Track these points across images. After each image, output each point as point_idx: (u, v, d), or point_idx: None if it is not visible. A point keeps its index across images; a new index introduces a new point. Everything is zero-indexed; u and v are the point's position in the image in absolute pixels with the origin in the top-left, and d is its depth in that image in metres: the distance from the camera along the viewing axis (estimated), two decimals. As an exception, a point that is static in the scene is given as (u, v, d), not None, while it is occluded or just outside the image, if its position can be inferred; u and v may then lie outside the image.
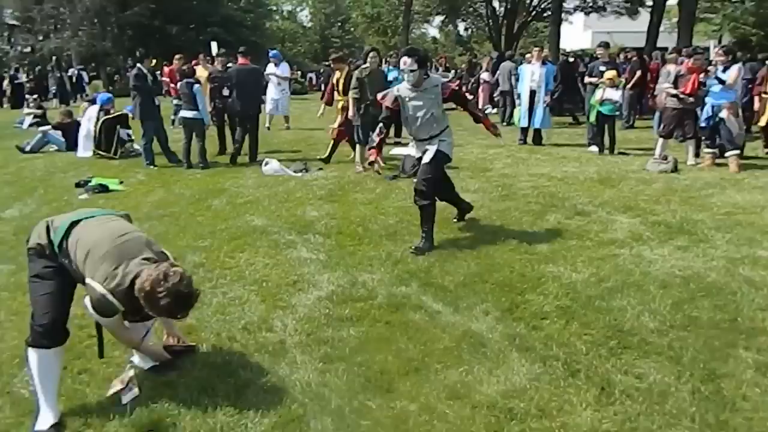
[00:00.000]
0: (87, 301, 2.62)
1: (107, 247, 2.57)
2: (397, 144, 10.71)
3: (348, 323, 3.59)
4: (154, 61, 13.59)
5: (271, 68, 12.79)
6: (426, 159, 5.02)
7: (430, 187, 4.94)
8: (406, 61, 4.80)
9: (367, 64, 8.54)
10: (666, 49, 15.10)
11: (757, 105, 9.57)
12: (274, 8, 48.93)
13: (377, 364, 3.09)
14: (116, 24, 31.04)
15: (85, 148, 10.36)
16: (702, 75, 8.14)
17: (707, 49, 12.28)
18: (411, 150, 8.23)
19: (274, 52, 13.27)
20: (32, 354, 2.65)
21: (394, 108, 5.06)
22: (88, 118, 10.44)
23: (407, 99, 4.98)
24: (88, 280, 2.55)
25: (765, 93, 8.91)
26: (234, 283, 4.25)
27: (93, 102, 11.13)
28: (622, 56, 13.90)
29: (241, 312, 3.77)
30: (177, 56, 12.94)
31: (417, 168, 7.79)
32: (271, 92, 12.80)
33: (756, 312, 3.59)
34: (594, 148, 9.74)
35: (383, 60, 12.99)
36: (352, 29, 48.43)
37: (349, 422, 2.61)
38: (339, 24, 50.98)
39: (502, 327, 3.50)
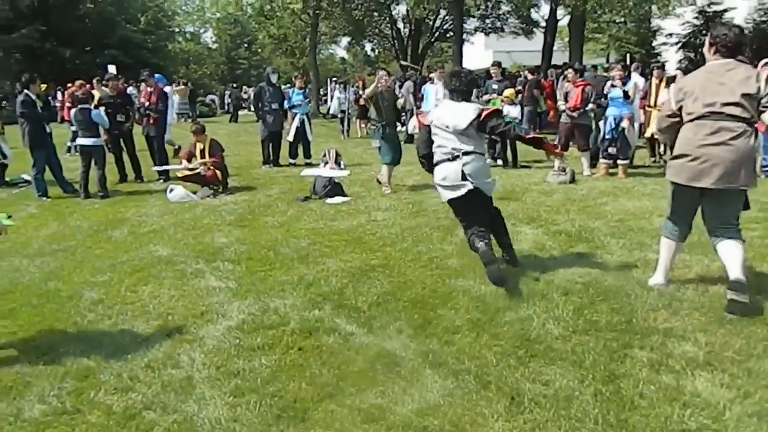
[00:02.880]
0: None
1: None
2: (308, 165, 10.66)
3: (259, 352, 3.49)
4: (44, 85, 12.84)
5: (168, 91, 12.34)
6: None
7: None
8: None
9: (382, 83, 8.17)
10: (560, 66, 16.05)
11: (642, 117, 10.31)
12: (177, 30, 47.71)
13: (291, 393, 3.01)
14: (1, 47, 29.17)
15: None
16: (590, 88, 8.71)
17: (600, 65, 13.14)
18: (322, 171, 8.24)
19: (158, 76, 12.75)
20: None
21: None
22: None
23: None
24: None
25: (649, 106, 9.61)
26: (136, 319, 4.02)
27: None
28: (523, 75, 14.60)
29: (144, 349, 3.56)
30: (78, 82, 12.37)
31: (328, 188, 7.84)
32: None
33: (648, 312, 3.83)
34: (497, 161, 10.15)
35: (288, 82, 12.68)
36: (259, 50, 48.00)
37: (261, 457, 2.52)
38: (246, 45, 50.44)
39: (415, 344, 3.53)
